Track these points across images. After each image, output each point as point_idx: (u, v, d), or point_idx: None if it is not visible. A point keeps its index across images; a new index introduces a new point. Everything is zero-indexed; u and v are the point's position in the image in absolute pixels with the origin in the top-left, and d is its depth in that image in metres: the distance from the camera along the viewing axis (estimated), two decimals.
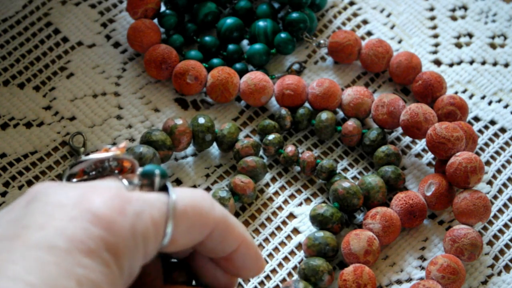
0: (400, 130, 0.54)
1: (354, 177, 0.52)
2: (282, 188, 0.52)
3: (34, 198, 0.32)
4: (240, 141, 0.51)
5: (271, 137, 0.51)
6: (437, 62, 0.57)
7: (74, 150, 0.52)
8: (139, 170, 0.35)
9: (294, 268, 0.49)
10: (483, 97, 0.56)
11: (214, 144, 0.53)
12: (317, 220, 0.49)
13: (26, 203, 0.32)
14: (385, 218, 0.48)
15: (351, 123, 0.52)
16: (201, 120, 0.51)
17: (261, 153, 0.52)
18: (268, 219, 0.51)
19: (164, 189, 0.34)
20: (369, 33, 0.58)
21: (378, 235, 0.48)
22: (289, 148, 0.51)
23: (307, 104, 0.54)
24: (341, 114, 0.54)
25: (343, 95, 0.53)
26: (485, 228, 0.51)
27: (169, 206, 0.33)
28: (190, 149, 0.53)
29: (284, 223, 0.51)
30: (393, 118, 0.51)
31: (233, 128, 0.51)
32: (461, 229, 0.48)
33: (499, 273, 0.49)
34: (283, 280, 0.49)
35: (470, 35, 0.58)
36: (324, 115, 0.52)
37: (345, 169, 0.53)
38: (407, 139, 0.54)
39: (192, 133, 0.51)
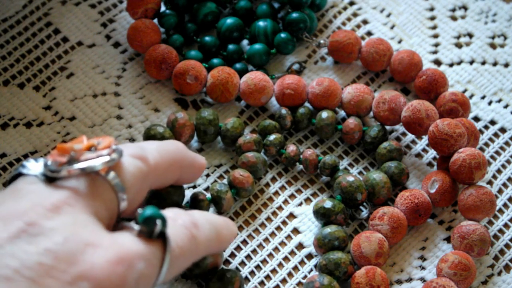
0: (400, 130, 0.54)
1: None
2: (282, 188, 0.52)
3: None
4: (243, 136, 0.51)
5: (272, 137, 0.51)
6: (437, 62, 0.57)
7: None
8: (139, 212, 0.36)
9: (294, 268, 0.49)
10: (483, 97, 0.56)
11: (216, 144, 0.53)
12: (320, 213, 0.48)
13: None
14: (393, 219, 0.48)
15: (352, 121, 0.52)
16: (204, 113, 0.51)
17: (262, 153, 0.52)
18: (268, 219, 0.51)
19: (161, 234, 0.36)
20: (369, 33, 0.58)
21: (386, 236, 0.48)
22: (291, 148, 0.51)
23: (307, 104, 0.54)
24: (341, 114, 0.54)
25: (343, 93, 0.53)
26: None
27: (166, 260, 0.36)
28: (194, 146, 0.53)
29: (284, 223, 0.51)
30: (394, 114, 0.51)
31: (237, 123, 0.51)
32: (469, 225, 0.48)
33: (499, 273, 0.49)
34: (283, 280, 0.49)
35: (470, 35, 0.58)
36: (324, 114, 0.52)
37: (345, 169, 0.52)
38: (407, 139, 0.54)
39: (194, 126, 0.51)
